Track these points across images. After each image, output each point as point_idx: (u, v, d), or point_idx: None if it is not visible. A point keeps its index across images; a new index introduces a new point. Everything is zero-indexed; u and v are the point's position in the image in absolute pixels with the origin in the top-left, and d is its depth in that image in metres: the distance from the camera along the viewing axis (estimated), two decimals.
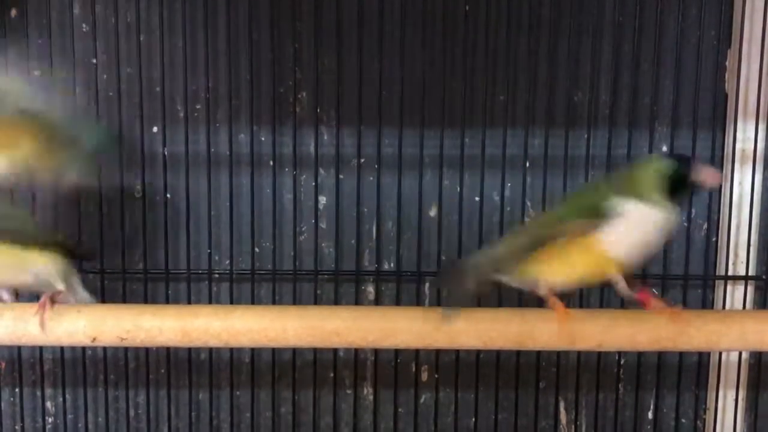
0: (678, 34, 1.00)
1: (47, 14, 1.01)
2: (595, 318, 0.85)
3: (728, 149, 1.03)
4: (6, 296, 0.86)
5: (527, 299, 1.06)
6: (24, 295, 1.04)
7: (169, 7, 1.02)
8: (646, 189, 0.78)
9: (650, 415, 1.10)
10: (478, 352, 1.06)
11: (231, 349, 1.07)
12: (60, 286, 0.84)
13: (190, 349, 1.07)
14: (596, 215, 0.78)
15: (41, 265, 0.83)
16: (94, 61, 1.02)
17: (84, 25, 1.02)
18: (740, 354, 1.07)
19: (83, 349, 1.06)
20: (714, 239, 1.07)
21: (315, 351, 1.07)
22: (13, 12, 1.02)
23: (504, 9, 1.01)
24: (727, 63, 1.03)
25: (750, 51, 1.01)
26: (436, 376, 1.09)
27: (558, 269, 0.81)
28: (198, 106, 1.03)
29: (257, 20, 1.01)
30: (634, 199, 0.78)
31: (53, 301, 0.83)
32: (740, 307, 1.05)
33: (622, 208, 0.78)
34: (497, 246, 0.84)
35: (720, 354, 1.07)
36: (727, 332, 0.83)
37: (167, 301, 1.06)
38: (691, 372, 1.08)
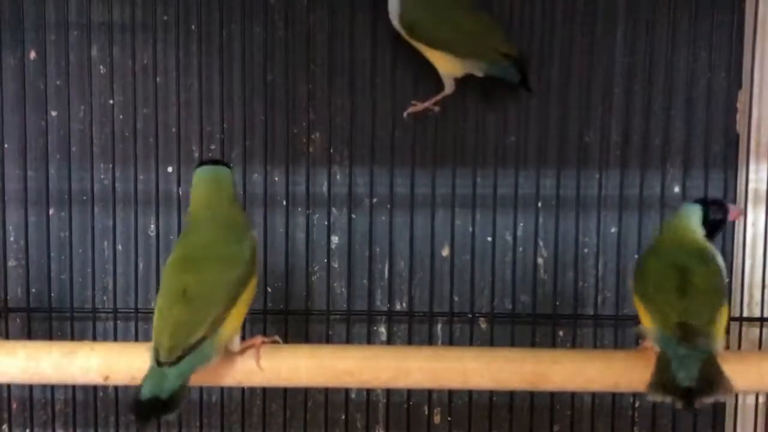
0: (689, 75, 1.01)
1: (65, 56, 1.02)
2: (610, 359, 0.84)
3: (740, 190, 1.03)
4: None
5: (541, 339, 1.06)
6: (36, 334, 1.05)
7: (185, 50, 1.03)
8: None
9: None
10: (491, 394, 1.05)
11: (242, 390, 1.06)
12: None
13: (201, 390, 1.06)
14: None
15: None
16: (111, 102, 1.03)
17: (101, 67, 1.04)
18: (757, 397, 1.05)
19: (95, 389, 1.06)
20: (728, 281, 1.06)
21: (326, 392, 1.06)
22: (32, 54, 1.04)
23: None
24: (738, 104, 1.04)
25: (761, 92, 1.02)
26: (449, 418, 1.08)
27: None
28: (213, 147, 1.04)
29: (271, 62, 1.03)
30: None
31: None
32: (755, 348, 1.04)
33: None
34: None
35: (736, 397, 1.06)
36: (744, 373, 0.82)
37: None
38: (707, 415, 1.07)
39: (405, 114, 1.01)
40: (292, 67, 1.02)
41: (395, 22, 0.95)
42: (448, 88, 0.97)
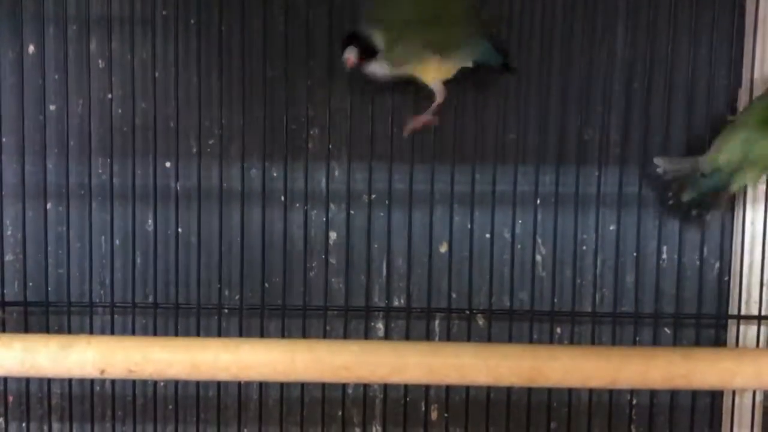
0: (689, 73, 1.01)
1: (64, 50, 1.02)
2: (607, 355, 0.84)
3: None
4: None
5: (538, 336, 1.05)
6: (33, 328, 1.05)
7: (185, 44, 1.03)
8: None
9: None
10: (489, 391, 1.05)
11: (239, 385, 1.06)
12: None
13: (198, 385, 1.06)
14: None
15: None
16: (110, 96, 1.03)
17: (100, 61, 1.04)
18: (754, 396, 1.05)
19: (91, 383, 1.06)
20: (726, 279, 1.06)
21: (323, 388, 1.06)
22: (31, 48, 1.04)
23: (515, 48, 1.02)
24: (738, 102, 1.04)
25: (761, 90, 1.01)
26: (446, 415, 1.08)
27: None
28: (211, 142, 1.04)
29: (271, 57, 1.03)
30: None
31: None
32: (753, 347, 1.03)
33: None
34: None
35: (733, 395, 1.06)
36: (741, 370, 0.82)
37: (176, 335, 1.05)
38: (705, 414, 1.07)
39: (405, 134, 1.01)
40: (292, 62, 1.02)
41: (388, 70, 0.96)
42: (440, 96, 0.96)
